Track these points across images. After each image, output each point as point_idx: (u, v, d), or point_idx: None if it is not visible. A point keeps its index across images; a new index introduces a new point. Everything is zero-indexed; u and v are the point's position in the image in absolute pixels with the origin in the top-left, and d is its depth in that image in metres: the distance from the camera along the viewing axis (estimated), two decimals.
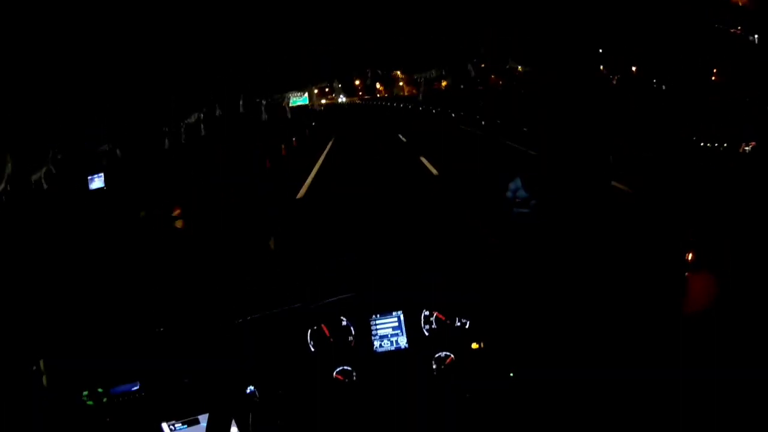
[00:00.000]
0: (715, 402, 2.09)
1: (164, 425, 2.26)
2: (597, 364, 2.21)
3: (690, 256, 2.52)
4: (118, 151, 3.78)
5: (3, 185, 3.10)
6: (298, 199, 7.25)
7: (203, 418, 2.28)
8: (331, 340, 2.40)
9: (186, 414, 2.27)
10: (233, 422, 2.14)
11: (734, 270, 2.65)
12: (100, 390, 2.24)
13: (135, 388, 2.27)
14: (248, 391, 2.27)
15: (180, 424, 2.28)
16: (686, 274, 2.47)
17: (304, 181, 8.33)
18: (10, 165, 3.00)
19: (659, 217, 2.82)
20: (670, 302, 2.37)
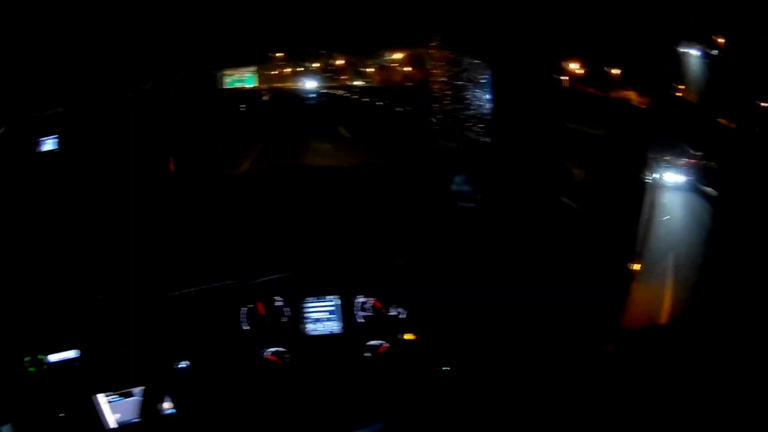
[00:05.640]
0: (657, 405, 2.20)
1: (100, 396, 2.33)
2: (532, 362, 2.30)
3: (636, 267, 2.57)
4: (71, 114, 3.73)
5: None
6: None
7: (137, 391, 2.36)
8: (266, 319, 2.47)
9: (120, 386, 2.33)
10: (166, 396, 2.26)
11: (681, 282, 2.67)
12: (40, 357, 2.30)
13: (74, 356, 2.34)
14: (182, 365, 2.34)
15: (115, 396, 2.34)
16: (631, 284, 2.53)
17: None
18: None
19: (608, 225, 2.82)
20: (614, 310, 2.42)
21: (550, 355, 2.29)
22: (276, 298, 2.50)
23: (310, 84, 4.11)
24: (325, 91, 4.17)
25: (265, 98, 4.19)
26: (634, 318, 2.41)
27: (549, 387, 2.23)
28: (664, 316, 2.54)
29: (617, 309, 2.39)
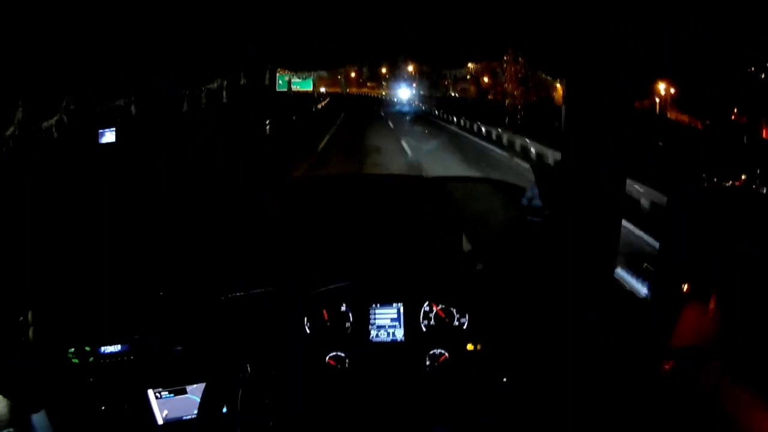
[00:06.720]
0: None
1: (150, 392, 2.22)
2: (590, 377, 2.12)
3: (686, 288, 2.42)
4: (132, 108, 3.69)
5: (12, 129, 3.03)
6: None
7: (191, 389, 2.26)
8: (329, 324, 2.37)
9: (173, 383, 2.24)
10: (224, 396, 2.12)
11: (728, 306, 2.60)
12: (87, 348, 2.20)
13: (124, 350, 2.23)
14: (241, 366, 2.15)
15: (166, 392, 2.24)
16: (681, 304, 2.37)
17: None
18: (20, 110, 2.93)
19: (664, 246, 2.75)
20: (662, 330, 2.28)
21: (608, 372, 2.14)
22: (341, 303, 2.39)
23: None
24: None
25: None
26: (687, 336, 2.27)
27: (606, 403, 2.08)
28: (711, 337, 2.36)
29: (674, 326, 2.27)
